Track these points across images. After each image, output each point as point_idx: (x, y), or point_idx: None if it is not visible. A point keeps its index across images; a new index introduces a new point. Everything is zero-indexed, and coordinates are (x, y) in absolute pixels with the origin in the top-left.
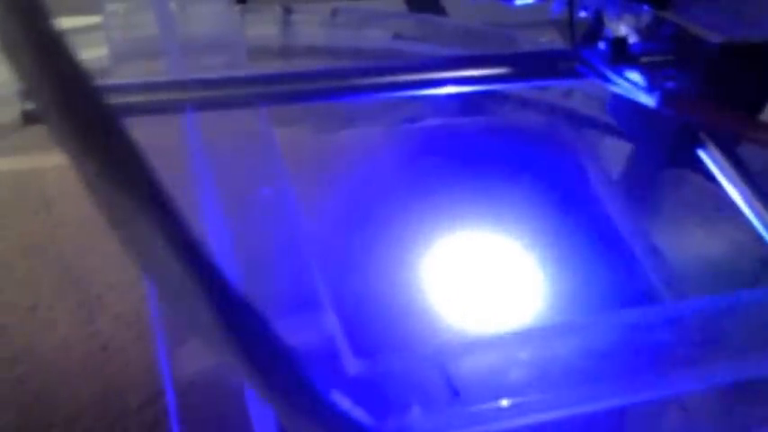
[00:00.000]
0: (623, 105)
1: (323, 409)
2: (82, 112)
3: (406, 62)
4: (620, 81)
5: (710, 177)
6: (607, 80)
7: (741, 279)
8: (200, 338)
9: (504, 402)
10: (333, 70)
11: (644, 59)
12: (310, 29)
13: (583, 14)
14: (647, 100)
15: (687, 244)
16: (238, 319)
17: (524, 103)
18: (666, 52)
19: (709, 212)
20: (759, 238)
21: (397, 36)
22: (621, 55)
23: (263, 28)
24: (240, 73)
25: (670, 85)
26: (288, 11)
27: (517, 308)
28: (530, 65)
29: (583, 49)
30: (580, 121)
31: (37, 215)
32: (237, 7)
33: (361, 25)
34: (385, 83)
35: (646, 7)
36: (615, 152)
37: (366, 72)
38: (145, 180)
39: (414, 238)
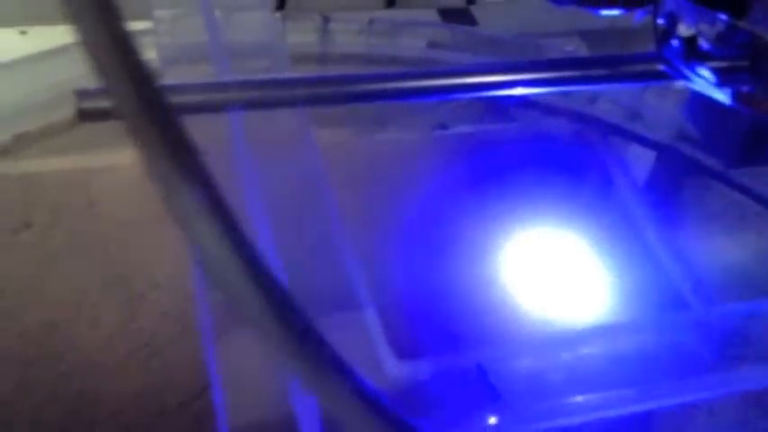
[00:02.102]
0: (699, 106)
1: (368, 400)
2: (150, 107)
3: (478, 65)
4: (698, 79)
5: None
6: (688, 79)
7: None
8: (248, 324)
9: (547, 404)
10: (403, 73)
11: (717, 63)
12: (347, 37)
13: (660, 21)
14: (722, 96)
15: (713, 251)
16: (284, 306)
17: (551, 109)
18: (741, 58)
19: (735, 221)
20: None
21: (431, 45)
22: (694, 52)
23: (302, 36)
24: (283, 75)
25: (744, 88)
26: (326, 19)
27: (547, 307)
28: (613, 67)
29: (663, 51)
30: (605, 128)
31: (83, 214)
32: (278, 15)
33: (397, 34)
34: (456, 84)
35: (722, 15)
36: (639, 159)
37: (437, 74)
38: (200, 171)
39: (452, 240)
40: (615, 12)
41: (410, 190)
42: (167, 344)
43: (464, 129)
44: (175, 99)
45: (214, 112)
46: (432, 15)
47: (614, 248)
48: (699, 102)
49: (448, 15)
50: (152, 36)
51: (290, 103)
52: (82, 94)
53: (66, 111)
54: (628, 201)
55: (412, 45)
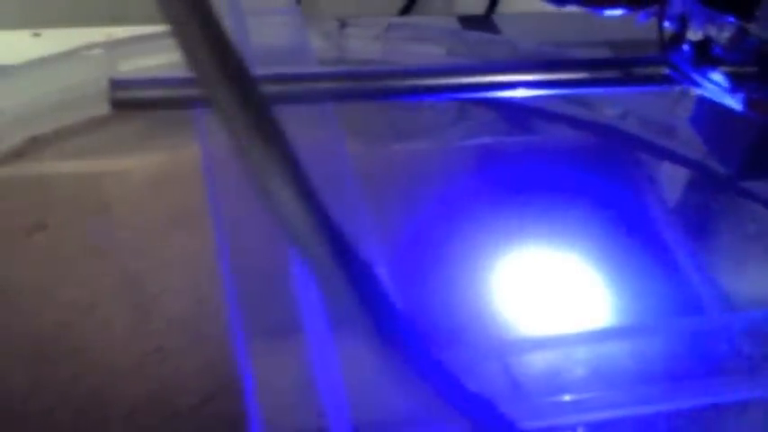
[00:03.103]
0: (706, 115)
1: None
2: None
3: (485, 63)
4: (707, 84)
5: None
6: (695, 84)
7: None
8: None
9: (567, 397)
10: (402, 70)
11: (726, 68)
12: (364, 43)
13: (667, 24)
14: (733, 103)
15: (746, 276)
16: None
17: (577, 123)
18: (750, 64)
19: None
20: None
21: (450, 53)
22: (705, 57)
23: (318, 41)
24: (311, 69)
25: (754, 95)
26: (343, 24)
27: (569, 316)
28: (616, 70)
29: (671, 55)
30: (634, 143)
31: (96, 217)
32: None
33: (415, 41)
34: (460, 84)
35: (731, 19)
36: (671, 178)
37: (438, 72)
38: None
39: (470, 253)
40: (618, 12)
41: (424, 202)
42: (180, 347)
43: (483, 140)
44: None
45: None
46: (452, 23)
47: (637, 271)
48: (704, 110)
49: (468, 23)
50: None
51: (320, 98)
52: (116, 83)
53: (80, 113)
54: (656, 221)
55: (430, 52)
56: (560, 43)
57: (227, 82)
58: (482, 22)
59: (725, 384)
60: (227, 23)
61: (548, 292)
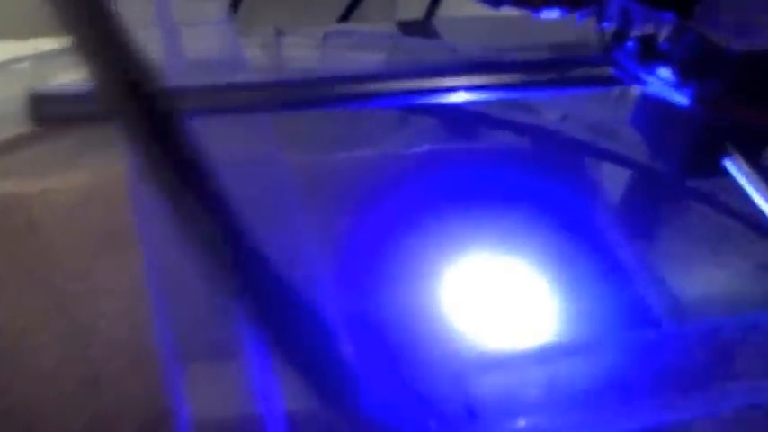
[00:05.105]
0: (648, 114)
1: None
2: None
3: (423, 67)
4: (653, 81)
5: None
6: (641, 82)
7: (748, 310)
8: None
9: (521, 422)
10: (335, 77)
11: (674, 65)
12: (302, 52)
13: (605, 25)
14: (680, 98)
15: (691, 274)
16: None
17: (518, 127)
18: (689, 60)
19: (716, 244)
20: (765, 267)
21: (390, 60)
22: (650, 53)
23: (253, 50)
24: (246, 79)
25: (699, 89)
26: (280, 33)
27: (520, 331)
28: (558, 72)
29: (614, 53)
30: (577, 147)
31: (24, 239)
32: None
33: (355, 49)
34: (396, 89)
35: (669, 16)
36: (612, 179)
37: (375, 78)
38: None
39: (415, 262)
40: (555, 13)
41: (370, 211)
42: (117, 374)
43: (426, 148)
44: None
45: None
46: (391, 28)
47: (584, 274)
48: (645, 110)
49: (407, 28)
50: None
51: (254, 109)
52: (38, 98)
53: (5, 131)
54: (599, 223)
55: (368, 60)
56: (500, 47)
57: (127, 94)
58: (421, 28)
59: (682, 400)
60: (159, 34)
61: (493, 300)
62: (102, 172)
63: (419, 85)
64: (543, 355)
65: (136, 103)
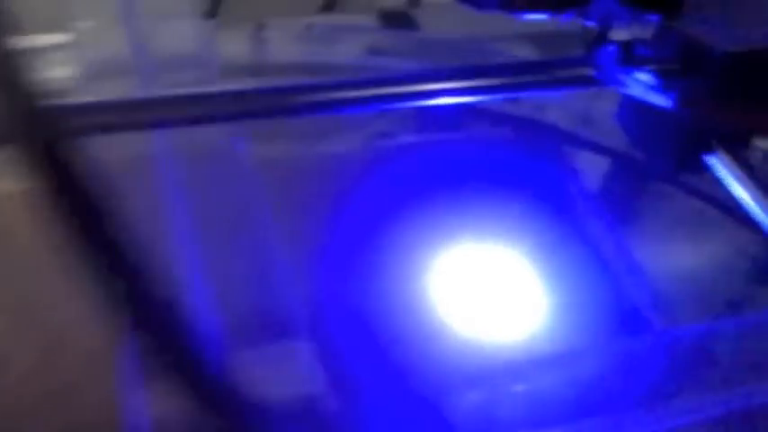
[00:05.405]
0: (633, 111)
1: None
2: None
3: (407, 73)
4: (634, 84)
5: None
6: (621, 84)
7: (727, 295)
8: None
9: None
10: (328, 84)
11: (653, 67)
12: (283, 45)
13: (589, 24)
14: (663, 101)
15: (672, 263)
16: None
17: (498, 117)
18: (674, 61)
19: (694, 230)
20: (743, 253)
21: (372, 51)
22: (632, 56)
23: (236, 45)
24: (213, 89)
25: (681, 91)
26: (260, 27)
27: (494, 332)
28: (541, 73)
29: (595, 55)
30: (556, 136)
31: None
32: (209, 24)
33: (336, 41)
34: (382, 94)
35: (653, 17)
36: (592, 167)
37: (362, 84)
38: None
39: (392, 258)
40: (541, 16)
41: (349, 206)
42: (84, 385)
43: (406, 138)
44: (95, 118)
45: (137, 130)
46: (372, 19)
47: (566, 264)
48: (631, 109)
49: (388, 19)
50: (73, 50)
51: (222, 118)
52: None
53: None
54: (580, 211)
55: (351, 52)
56: (482, 36)
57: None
58: (402, 17)
59: (665, 410)
60: (128, 30)
61: (477, 291)
62: None
63: (404, 89)
64: (518, 371)
65: (24, 130)
